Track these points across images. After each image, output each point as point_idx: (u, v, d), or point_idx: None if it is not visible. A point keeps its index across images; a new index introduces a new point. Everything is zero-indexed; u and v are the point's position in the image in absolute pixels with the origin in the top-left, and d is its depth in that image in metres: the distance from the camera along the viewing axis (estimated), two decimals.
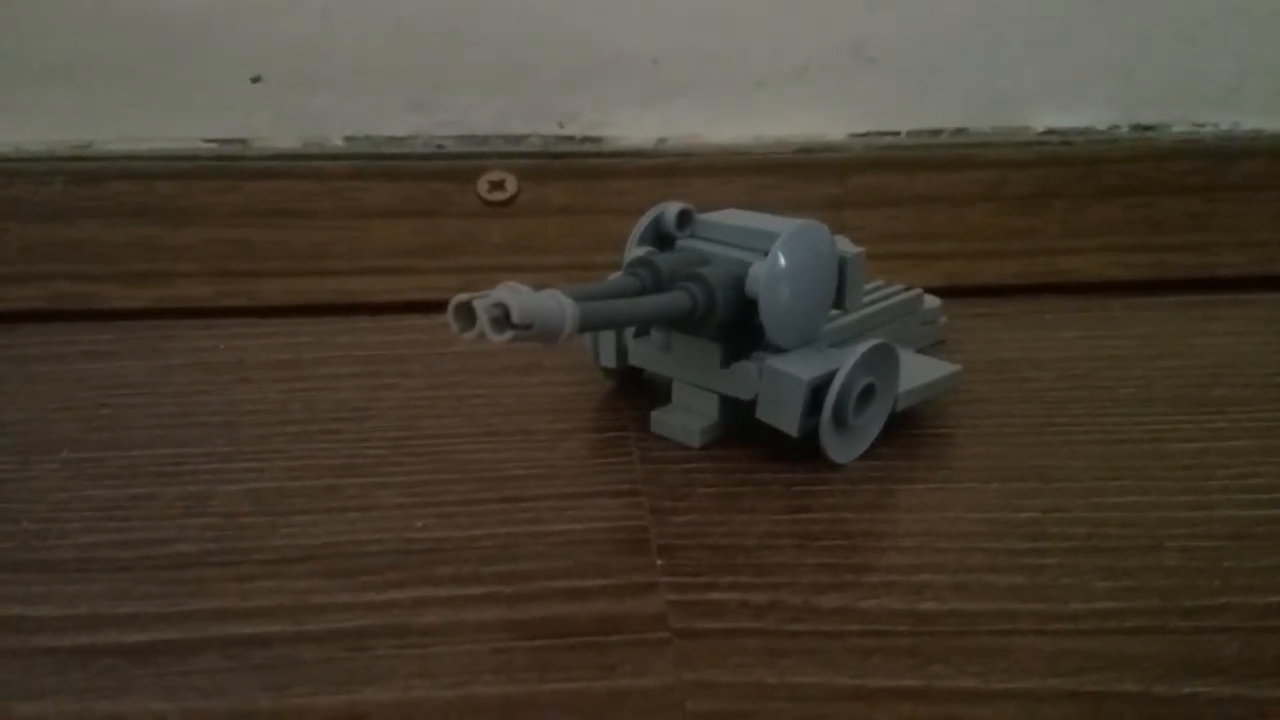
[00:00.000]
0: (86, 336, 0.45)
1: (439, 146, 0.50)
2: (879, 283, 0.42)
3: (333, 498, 0.32)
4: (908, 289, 0.42)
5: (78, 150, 0.49)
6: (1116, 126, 0.53)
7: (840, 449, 0.34)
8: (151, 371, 0.42)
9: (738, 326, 0.34)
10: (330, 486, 0.33)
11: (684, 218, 0.36)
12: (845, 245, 0.36)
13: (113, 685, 0.25)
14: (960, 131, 0.52)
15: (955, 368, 0.37)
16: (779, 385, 0.33)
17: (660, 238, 0.36)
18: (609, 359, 0.38)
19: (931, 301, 0.43)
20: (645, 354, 0.37)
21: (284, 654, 0.26)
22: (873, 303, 0.40)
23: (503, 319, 0.27)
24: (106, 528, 0.31)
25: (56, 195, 0.48)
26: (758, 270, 0.33)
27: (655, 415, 0.36)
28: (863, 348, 0.33)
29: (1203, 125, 0.53)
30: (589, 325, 0.30)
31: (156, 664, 0.25)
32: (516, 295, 0.27)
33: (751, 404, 0.34)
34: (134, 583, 0.28)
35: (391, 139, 0.50)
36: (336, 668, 0.25)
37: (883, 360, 0.34)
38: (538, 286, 0.28)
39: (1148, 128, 0.53)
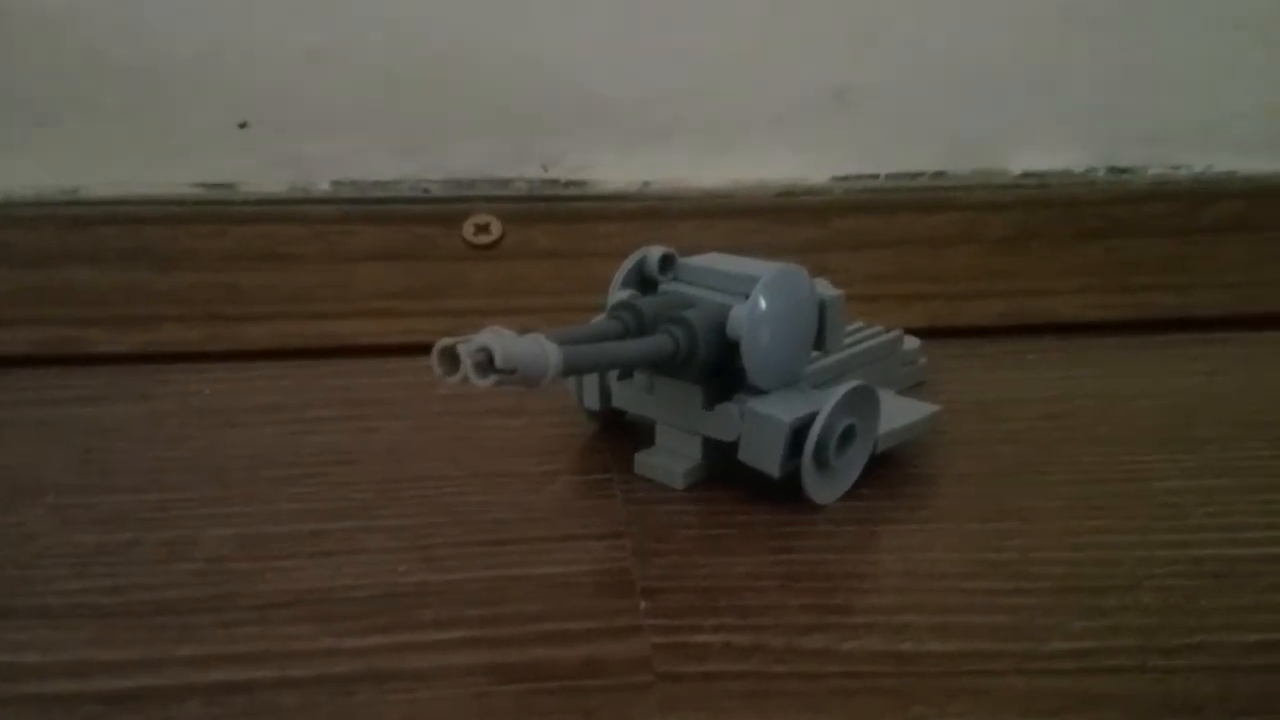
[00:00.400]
0: (75, 381, 0.45)
1: (425, 190, 0.51)
2: (859, 324, 0.42)
3: (318, 542, 0.32)
4: (888, 330, 0.42)
5: (66, 195, 0.49)
6: (1094, 169, 0.53)
7: (822, 490, 0.34)
8: (139, 416, 0.42)
9: (720, 369, 0.34)
10: (315, 531, 0.33)
11: (666, 261, 0.36)
12: (825, 288, 0.36)
13: None
14: (939, 174, 0.53)
15: (935, 408, 0.38)
16: (761, 427, 0.34)
17: (643, 281, 0.37)
18: (593, 401, 0.39)
19: (911, 343, 0.44)
20: (629, 396, 0.37)
21: (267, 700, 0.26)
22: (853, 344, 0.40)
23: (487, 364, 0.27)
24: (92, 573, 0.31)
25: (45, 240, 0.48)
26: (739, 313, 0.33)
27: (639, 457, 0.37)
28: (843, 389, 0.34)
29: (1179, 167, 0.54)
30: (573, 369, 0.30)
31: (141, 711, 0.25)
32: (500, 340, 0.27)
33: (734, 445, 0.35)
34: (119, 629, 0.28)
35: (378, 183, 0.51)
36: (319, 713, 0.25)
37: (863, 401, 0.35)
38: (522, 330, 0.28)
39: (1124, 170, 0.54)
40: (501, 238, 0.50)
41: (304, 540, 0.32)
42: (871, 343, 0.41)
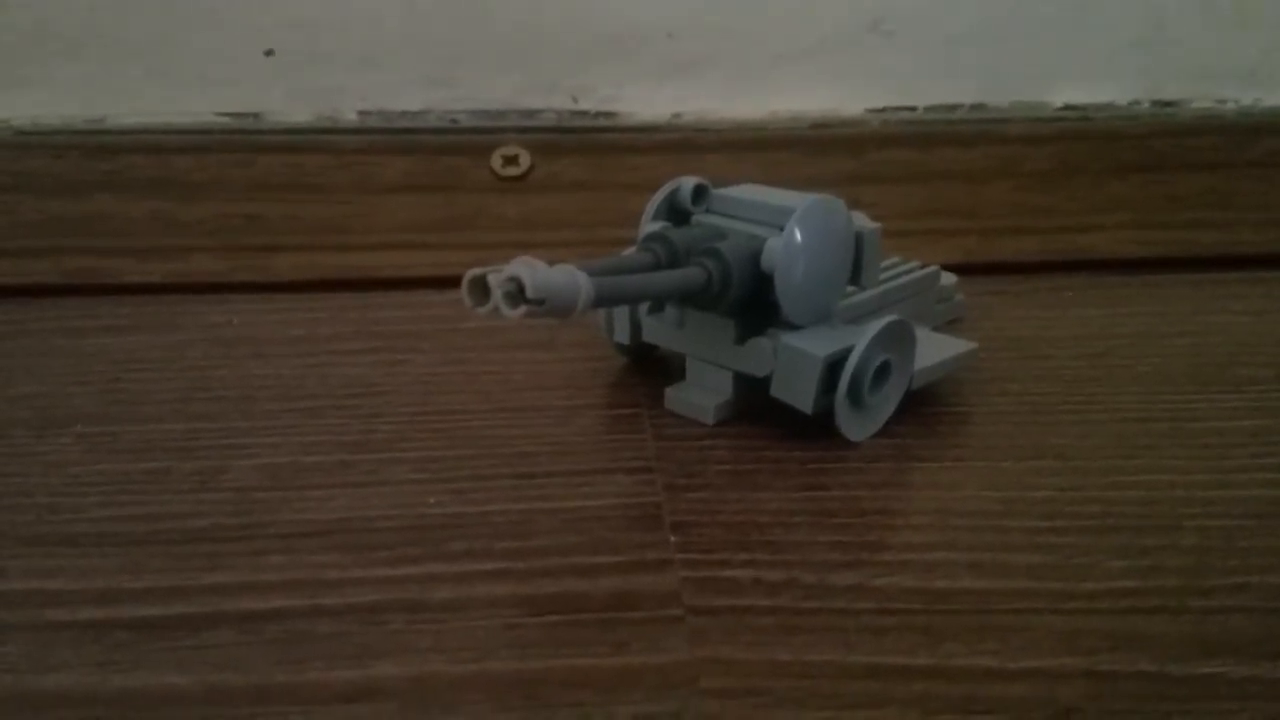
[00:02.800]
0: (101, 311, 0.45)
1: (453, 121, 0.50)
2: (895, 259, 0.41)
3: (346, 473, 0.32)
4: (924, 266, 0.42)
5: (92, 124, 0.49)
6: (1137, 102, 0.52)
7: (855, 427, 0.34)
8: (165, 346, 0.42)
9: (752, 303, 0.34)
10: (344, 462, 0.33)
11: (699, 193, 0.36)
12: (862, 220, 0.36)
13: (127, 659, 0.25)
14: (978, 107, 0.52)
15: (971, 345, 0.37)
16: (794, 362, 0.33)
17: (675, 213, 0.36)
18: (623, 335, 0.38)
19: (948, 279, 0.43)
20: (659, 330, 0.37)
21: (298, 628, 0.26)
22: (889, 279, 0.39)
23: (517, 294, 0.27)
24: (121, 502, 0.31)
25: (71, 169, 0.48)
26: (773, 245, 0.33)
27: (669, 392, 0.36)
28: (878, 325, 0.33)
29: (1224, 102, 0.52)
30: (603, 301, 0.30)
31: (171, 638, 0.25)
32: (531, 270, 0.27)
33: (766, 381, 0.34)
34: (148, 557, 0.28)
35: (405, 113, 0.50)
36: (350, 642, 0.25)
37: (899, 337, 0.34)
38: (552, 262, 0.28)
39: (1168, 104, 0.52)
40: (530, 169, 0.49)
41: (332, 471, 0.32)
42: (907, 278, 0.40)
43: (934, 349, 0.36)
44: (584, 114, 0.51)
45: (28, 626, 0.26)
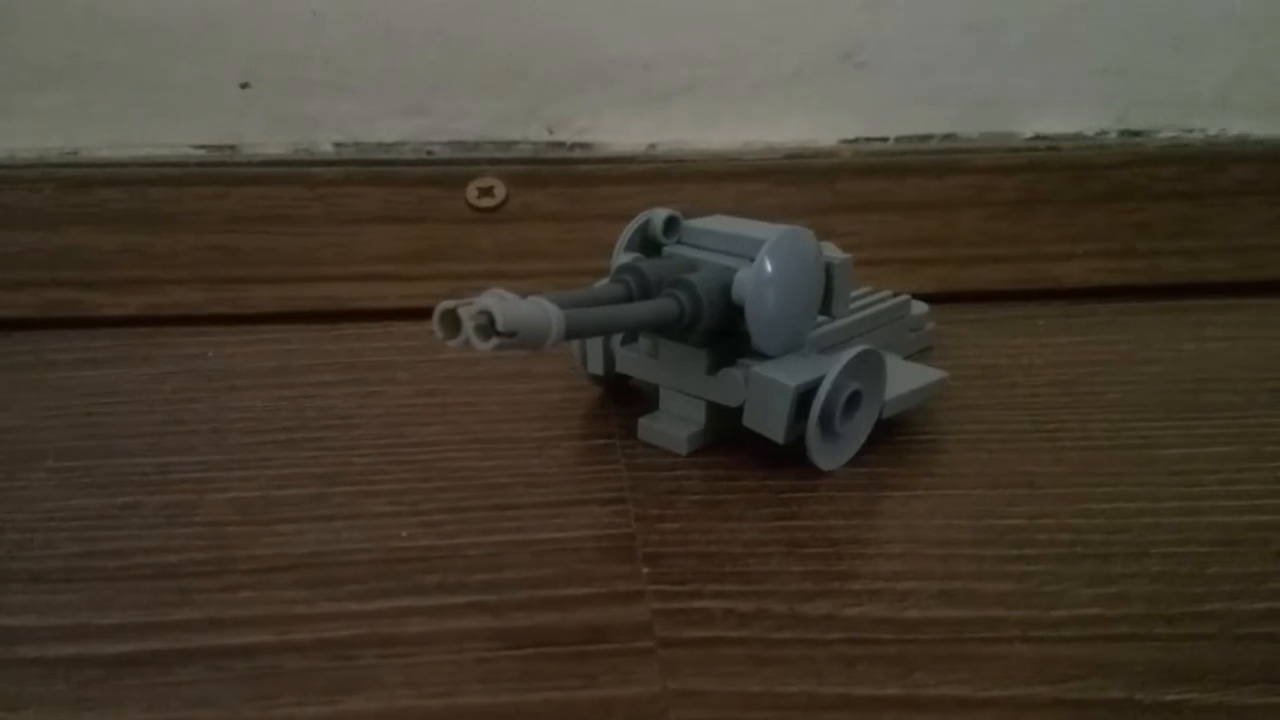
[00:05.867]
0: (76, 344, 0.45)
1: (428, 152, 0.50)
2: (866, 288, 0.42)
3: (319, 506, 0.32)
4: (895, 295, 0.42)
5: (67, 156, 0.49)
6: (1105, 132, 0.53)
7: (826, 456, 0.34)
8: (140, 379, 0.41)
9: (724, 333, 0.34)
10: (317, 495, 0.33)
11: (671, 224, 0.36)
12: (832, 251, 0.36)
13: (98, 696, 0.25)
14: (949, 137, 0.52)
15: (941, 374, 0.37)
16: (765, 392, 0.33)
17: (647, 244, 0.36)
18: (596, 366, 0.38)
19: (919, 307, 0.43)
20: (633, 361, 0.37)
21: (269, 664, 0.25)
22: (860, 309, 0.40)
23: (488, 327, 0.27)
24: (93, 537, 0.31)
25: (46, 202, 0.48)
26: (744, 276, 0.33)
27: (642, 422, 0.36)
28: (849, 354, 0.33)
29: (1191, 130, 0.53)
30: (575, 332, 0.30)
31: (142, 675, 0.25)
32: (502, 303, 0.27)
33: (738, 411, 0.34)
34: (119, 593, 0.28)
35: (381, 145, 0.50)
36: (321, 678, 0.25)
37: (869, 366, 0.34)
38: (526, 293, 0.28)
39: (1136, 133, 0.53)
40: (505, 200, 0.49)
41: (305, 504, 0.32)
42: (879, 307, 0.40)
43: (905, 378, 0.37)
44: (560, 145, 0.51)
45: None
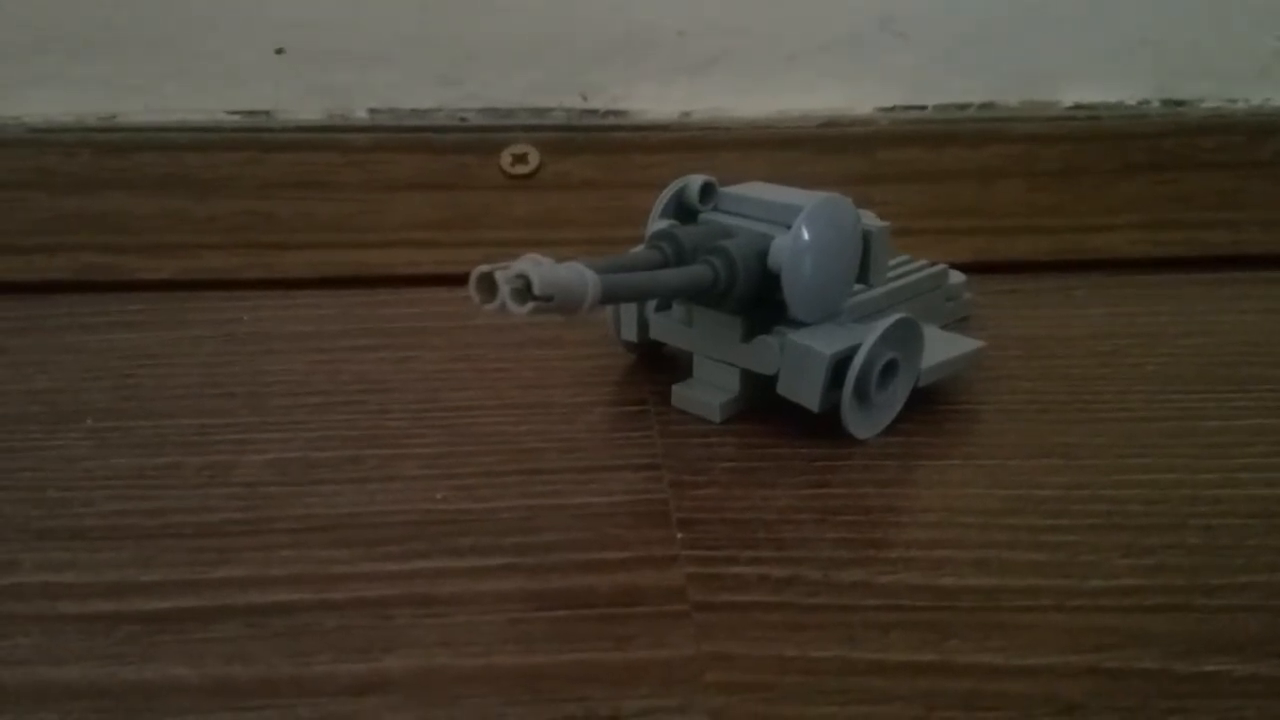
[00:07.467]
0: (113, 307, 0.45)
1: (462, 119, 0.50)
2: (904, 258, 0.41)
3: (355, 468, 0.32)
4: (933, 264, 0.42)
5: (104, 122, 0.49)
6: (1146, 101, 0.52)
7: (862, 424, 0.34)
8: (177, 342, 0.42)
9: (760, 300, 0.34)
10: (353, 457, 0.33)
11: (707, 191, 0.36)
12: (870, 219, 0.36)
13: (136, 652, 0.25)
14: (988, 106, 0.52)
15: (979, 344, 0.37)
16: (800, 360, 0.33)
17: (683, 211, 0.36)
18: (630, 333, 0.38)
19: (956, 277, 0.43)
20: (666, 328, 0.37)
21: (306, 622, 0.26)
22: (897, 278, 0.39)
23: (524, 291, 0.27)
24: (131, 496, 0.31)
25: (83, 166, 0.48)
26: (780, 243, 0.33)
27: (676, 389, 0.36)
28: (886, 322, 0.33)
29: (1234, 101, 0.52)
30: (610, 298, 0.30)
31: (180, 631, 0.25)
32: (538, 267, 0.27)
33: (773, 379, 0.34)
34: (158, 551, 0.28)
35: (415, 111, 0.50)
36: (357, 636, 0.25)
37: (906, 335, 0.34)
38: (560, 259, 0.28)
39: (1178, 103, 0.52)
40: (539, 168, 0.49)
41: (341, 466, 0.33)
42: (916, 276, 0.40)
43: (941, 347, 0.36)
44: (594, 112, 0.51)
45: (39, 619, 0.26)
